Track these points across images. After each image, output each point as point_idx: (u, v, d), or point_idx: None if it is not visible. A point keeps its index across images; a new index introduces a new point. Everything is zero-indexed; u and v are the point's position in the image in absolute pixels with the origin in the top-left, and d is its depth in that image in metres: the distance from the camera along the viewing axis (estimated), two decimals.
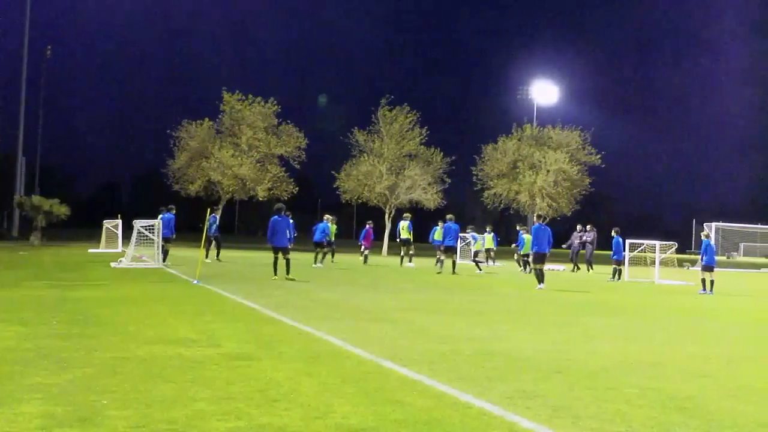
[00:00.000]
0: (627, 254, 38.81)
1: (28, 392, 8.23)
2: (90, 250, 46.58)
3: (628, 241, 39.62)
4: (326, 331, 13.91)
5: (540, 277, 27.96)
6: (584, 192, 75.12)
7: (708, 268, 29.98)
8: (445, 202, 74.08)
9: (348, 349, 12.00)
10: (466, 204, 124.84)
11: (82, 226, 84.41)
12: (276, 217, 27.83)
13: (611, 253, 38.15)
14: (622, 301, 24.75)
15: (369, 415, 7.74)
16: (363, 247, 45.44)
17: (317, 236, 38.49)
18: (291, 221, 36.33)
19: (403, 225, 44.00)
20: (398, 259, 46.01)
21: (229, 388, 8.80)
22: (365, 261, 44.32)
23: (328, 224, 39.96)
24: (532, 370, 10.74)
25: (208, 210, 34.53)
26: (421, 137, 73.35)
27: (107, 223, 49.74)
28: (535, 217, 29.76)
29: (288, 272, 27.06)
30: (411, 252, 44.19)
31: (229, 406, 7.90)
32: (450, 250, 37.24)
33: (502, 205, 75.78)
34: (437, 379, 9.69)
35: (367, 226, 46.35)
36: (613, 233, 37.99)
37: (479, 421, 7.73)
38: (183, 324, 14.41)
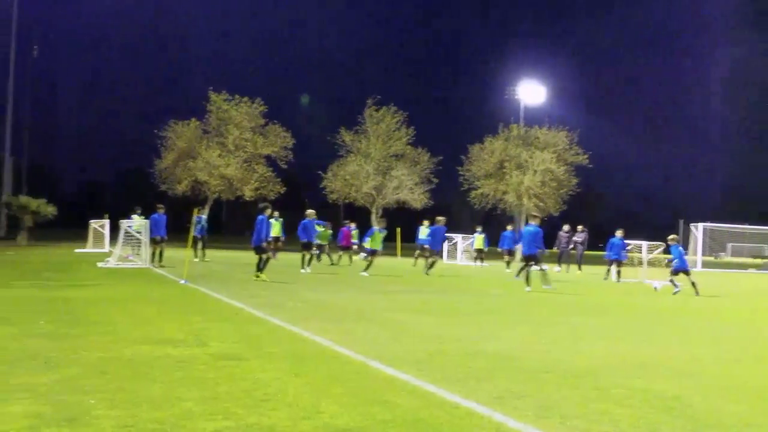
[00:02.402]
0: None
1: (15, 392, 8.22)
2: (77, 250, 46.51)
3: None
4: (314, 331, 13.91)
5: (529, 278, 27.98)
6: (571, 192, 75.16)
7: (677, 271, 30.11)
8: (432, 202, 74.15)
9: (335, 349, 12.00)
10: (453, 204, 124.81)
11: (69, 225, 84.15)
12: (261, 216, 27.20)
13: (606, 252, 37.95)
14: (609, 301, 24.77)
15: (356, 416, 7.75)
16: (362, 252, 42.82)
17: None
18: (272, 220, 36.10)
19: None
20: (389, 259, 45.43)
21: (216, 388, 8.80)
22: (350, 262, 42.65)
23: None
24: (519, 370, 10.76)
25: (195, 210, 34.38)
26: (408, 137, 73.45)
27: (94, 223, 49.64)
28: (525, 218, 29.28)
29: (261, 271, 26.78)
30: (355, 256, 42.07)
31: (217, 406, 7.90)
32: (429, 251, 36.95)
33: (489, 206, 75.73)
34: (425, 380, 9.70)
35: (347, 226, 44.78)
36: (618, 234, 37.70)
37: (466, 421, 7.74)
38: (170, 324, 14.39)
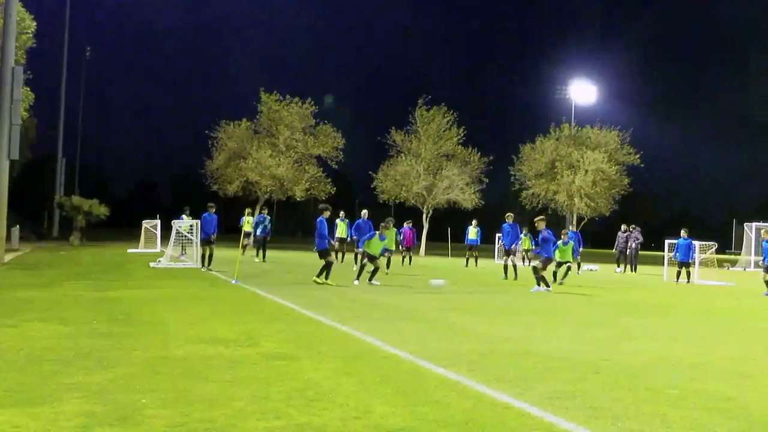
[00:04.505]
0: (666, 255, 38.66)
1: (68, 391, 8.30)
2: (129, 250, 46.87)
3: (666, 241, 39.45)
4: (365, 331, 13.93)
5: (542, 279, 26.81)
6: (623, 192, 74.69)
7: None
8: (483, 203, 73.99)
9: (386, 349, 12.01)
10: (504, 204, 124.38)
11: (121, 226, 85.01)
12: (320, 218, 26.67)
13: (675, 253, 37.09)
14: (661, 302, 24.58)
15: (407, 416, 7.74)
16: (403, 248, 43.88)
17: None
18: (338, 221, 36.28)
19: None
20: (440, 259, 45.46)
21: (268, 387, 8.83)
22: (410, 263, 43.05)
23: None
24: (570, 370, 10.70)
25: (262, 210, 34.43)
26: (459, 137, 73.29)
27: (146, 223, 50.03)
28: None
29: (321, 275, 26.32)
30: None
31: (268, 406, 7.93)
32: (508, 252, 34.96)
33: (540, 206, 75.44)
34: (476, 380, 9.68)
35: (407, 227, 44.69)
36: (683, 234, 37.01)
37: (518, 422, 7.71)
38: (222, 323, 14.47)
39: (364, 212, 35.48)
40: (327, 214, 26.27)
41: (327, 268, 25.68)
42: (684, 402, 8.95)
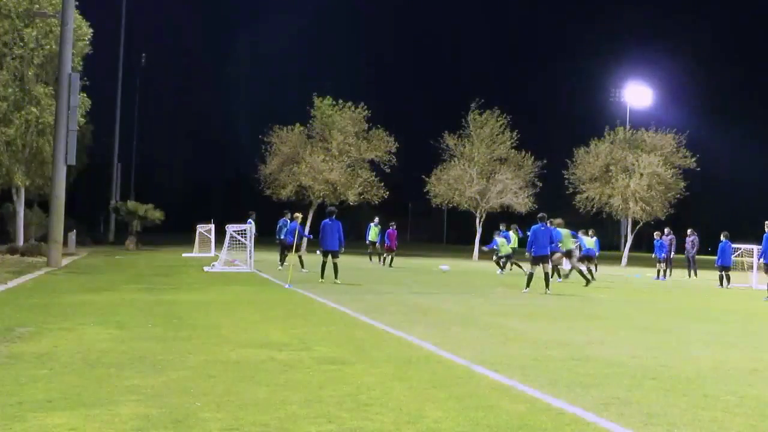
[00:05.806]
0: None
1: (123, 394, 8.37)
2: (183, 254, 47.19)
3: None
4: (417, 335, 13.91)
5: (530, 280, 26.79)
6: (679, 196, 73.85)
7: None
8: (537, 206, 73.52)
9: (439, 353, 11.98)
10: (560, 208, 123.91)
11: (176, 230, 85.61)
12: (326, 220, 27.62)
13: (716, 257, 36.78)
14: (717, 307, 24.32)
15: (460, 421, 7.71)
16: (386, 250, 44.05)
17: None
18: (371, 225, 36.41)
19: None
20: (490, 264, 45.02)
21: (320, 391, 8.84)
22: (390, 264, 42.88)
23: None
24: (626, 376, 10.60)
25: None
26: (512, 141, 72.92)
27: (200, 228, 50.33)
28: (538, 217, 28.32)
29: (336, 276, 27.06)
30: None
31: (321, 410, 7.93)
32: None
33: (594, 209, 74.76)
34: (529, 385, 9.63)
35: (391, 227, 44.18)
36: (722, 237, 36.61)
37: (572, 428, 7.66)
38: (275, 328, 14.52)
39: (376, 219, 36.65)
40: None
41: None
42: (741, 408, 8.83)
